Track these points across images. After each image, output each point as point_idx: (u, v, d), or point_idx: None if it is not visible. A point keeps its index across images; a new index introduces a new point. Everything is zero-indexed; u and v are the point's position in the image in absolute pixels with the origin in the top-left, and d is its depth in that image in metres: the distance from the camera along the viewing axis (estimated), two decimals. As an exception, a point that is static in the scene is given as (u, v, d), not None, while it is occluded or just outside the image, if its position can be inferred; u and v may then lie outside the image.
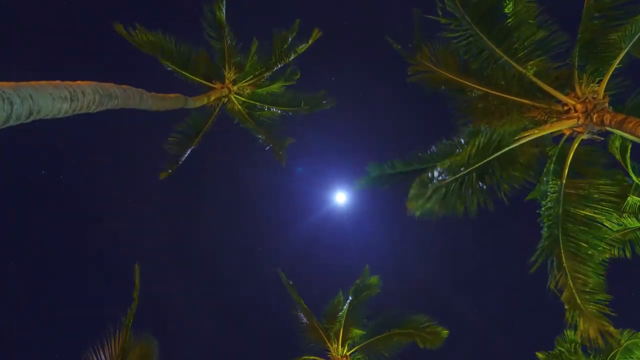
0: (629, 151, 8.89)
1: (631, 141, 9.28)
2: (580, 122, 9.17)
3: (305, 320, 16.84)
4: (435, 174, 8.71)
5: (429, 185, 8.73)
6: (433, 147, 9.52)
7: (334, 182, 28.22)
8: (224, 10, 15.19)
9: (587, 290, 8.84)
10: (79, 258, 26.89)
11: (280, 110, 17.68)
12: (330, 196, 28.01)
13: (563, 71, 9.82)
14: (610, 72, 9.15)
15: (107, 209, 27.19)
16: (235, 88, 16.69)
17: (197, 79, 16.08)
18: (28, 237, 26.17)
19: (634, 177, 9.01)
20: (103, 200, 26.82)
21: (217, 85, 16.31)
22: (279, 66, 16.51)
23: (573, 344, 13.87)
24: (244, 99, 17.14)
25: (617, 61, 9.03)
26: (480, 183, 9.39)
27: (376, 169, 9.23)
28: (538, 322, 24.10)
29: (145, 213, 27.60)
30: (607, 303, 8.70)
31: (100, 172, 26.34)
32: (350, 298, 15.73)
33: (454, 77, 10.49)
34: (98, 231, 27.30)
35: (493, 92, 10.19)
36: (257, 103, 17.30)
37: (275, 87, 17.19)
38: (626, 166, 9.12)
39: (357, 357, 16.60)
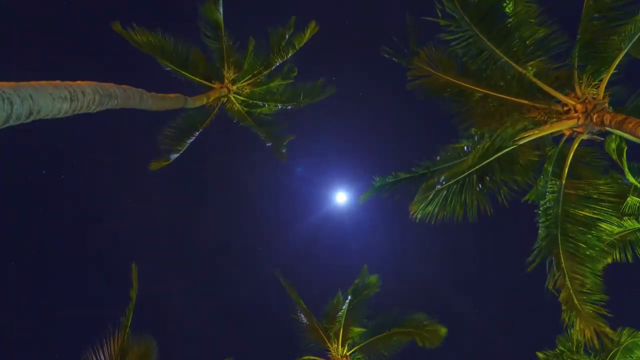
0: (624, 153, 8.90)
1: (629, 141, 9.28)
2: (580, 123, 9.17)
3: (305, 320, 16.86)
4: (439, 179, 8.79)
5: (432, 189, 8.82)
6: (438, 157, 9.62)
7: (334, 182, 28.23)
8: (221, 10, 15.19)
9: (585, 290, 8.87)
10: (79, 258, 26.91)
11: (280, 106, 17.66)
12: (331, 196, 28.05)
13: (563, 71, 9.82)
14: (610, 73, 9.15)
15: (107, 209, 27.21)
16: (234, 87, 16.71)
17: (197, 78, 16.10)
18: (28, 237, 26.18)
19: (630, 179, 9.02)
20: (103, 200, 26.84)
21: (217, 85, 16.32)
22: (278, 64, 16.52)
23: (575, 344, 13.87)
24: (243, 98, 17.15)
25: (617, 61, 9.03)
26: (480, 185, 9.42)
27: (380, 181, 9.34)
28: (538, 322, 24.11)
29: (145, 213, 27.61)
30: (604, 303, 8.72)
31: (100, 172, 26.36)
32: (349, 298, 15.74)
33: (453, 80, 10.49)
34: (98, 231, 27.32)
35: (493, 93, 10.19)
36: (256, 101, 17.31)
37: (274, 84, 17.20)
38: (623, 167, 9.13)
39: (357, 357, 16.61)
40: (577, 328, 8.60)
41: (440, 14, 9.70)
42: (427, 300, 27.31)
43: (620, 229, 10.77)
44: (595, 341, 8.32)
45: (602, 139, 9.43)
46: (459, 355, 26.93)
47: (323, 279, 26.16)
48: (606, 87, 9.25)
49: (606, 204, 9.40)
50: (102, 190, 26.63)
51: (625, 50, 8.86)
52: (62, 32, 23.17)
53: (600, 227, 9.33)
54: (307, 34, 16.19)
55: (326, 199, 28.29)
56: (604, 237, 9.50)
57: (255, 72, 16.62)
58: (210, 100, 15.51)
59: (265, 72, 16.64)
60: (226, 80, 16.47)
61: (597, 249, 9.13)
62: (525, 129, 9.42)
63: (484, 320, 28.80)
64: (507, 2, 9.43)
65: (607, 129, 8.88)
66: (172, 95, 11.65)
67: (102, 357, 11.44)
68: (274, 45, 16.21)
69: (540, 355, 14.85)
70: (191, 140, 17.17)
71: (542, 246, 9.38)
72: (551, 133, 9.65)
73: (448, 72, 10.55)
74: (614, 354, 13.44)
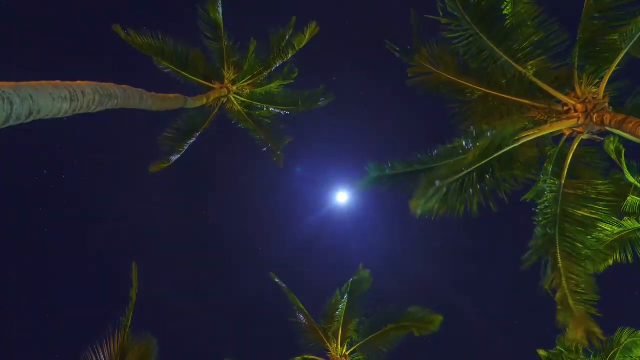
0: (623, 154, 8.90)
1: (628, 141, 9.28)
2: (580, 122, 9.17)
3: (304, 321, 16.88)
4: (439, 175, 8.77)
5: (433, 185, 8.78)
6: (435, 151, 9.58)
7: (334, 182, 28.22)
8: (220, 10, 15.20)
9: (579, 291, 8.87)
10: (79, 258, 26.91)
11: (279, 109, 17.69)
12: (331, 196, 28.04)
13: (563, 71, 9.82)
14: (610, 73, 9.16)
15: (107, 209, 27.20)
16: (234, 88, 16.71)
17: (197, 79, 16.11)
18: (28, 237, 26.19)
19: (630, 178, 9.02)
20: (103, 200, 26.83)
21: (217, 86, 16.32)
22: (278, 64, 16.53)
23: (575, 343, 13.87)
24: (243, 99, 17.17)
25: (617, 61, 9.04)
26: (480, 183, 9.42)
27: (376, 170, 9.25)
28: (538, 322, 24.10)
29: (146, 213, 27.60)
30: (595, 303, 8.73)
31: (100, 172, 26.36)
32: (346, 297, 15.75)
33: (454, 78, 10.49)
34: (98, 231, 27.32)
35: (493, 92, 10.19)
36: (256, 103, 17.33)
37: (274, 85, 17.21)
38: (622, 167, 9.13)
39: (357, 357, 16.62)
40: (571, 328, 8.61)
41: (441, 13, 9.70)
42: (427, 300, 27.28)
43: (620, 229, 10.78)
44: (585, 342, 8.34)
45: (602, 138, 9.43)
46: (459, 355, 26.96)
47: (323, 279, 26.14)
48: (606, 87, 9.25)
49: (605, 203, 9.40)
50: (102, 190, 26.65)
51: (626, 50, 8.86)
52: (62, 32, 23.19)
53: (599, 227, 9.34)
54: (308, 35, 16.21)
55: (326, 199, 28.31)
56: (603, 238, 9.50)
57: (256, 72, 16.63)
58: (210, 101, 15.52)
59: (266, 73, 16.65)
60: (226, 81, 16.48)
61: (594, 249, 9.14)
62: (525, 129, 9.42)
63: (484, 320, 28.82)
64: (507, 2, 9.43)
65: (607, 128, 8.88)
66: (172, 95, 11.66)
67: (102, 357, 11.44)
68: (275, 46, 16.22)
69: (541, 352, 14.86)
70: (192, 141, 17.18)
71: (539, 245, 9.38)
72: (551, 133, 9.65)
73: (449, 70, 10.56)
74: (614, 353, 13.46)
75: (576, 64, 9.39)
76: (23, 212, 25.67)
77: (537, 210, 9.72)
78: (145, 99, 9.23)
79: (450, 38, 10.06)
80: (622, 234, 10.90)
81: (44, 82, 5.69)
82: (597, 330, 8.37)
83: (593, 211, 9.36)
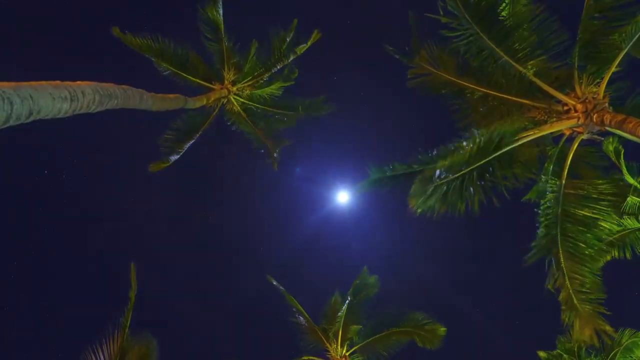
0: (622, 155, 8.89)
1: (629, 141, 9.28)
2: (580, 122, 9.17)
3: (303, 322, 16.87)
4: (437, 172, 8.72)
5: (431, 182, 8.75)
6: (435, 151, 9.54)
7: (335, 182, 28.23)
8: (220, 11, 15.20)
9: (584, 290, 8.86)
10: (79, 258, 26.91)
11: (279, 112, 17.71)
12: (331, 196, 28.04)
13: (563, 71, 9.82)
14: (610, 72, 9.15)
15: (107, 209, 27.20)
16: (234, 89, 16.71)
17: (197, 80, 16.10)
18: (28, 237, 26.19)
19: (629, 179, 9.01)
20: (103, 200, 26.83)
21: (217, 86, 16.32)
22: (278, 67, 16.53)
23: (576, 344, 13.87)
24: (243, 100, 17.17)
25: (617, 61, 9.03)
26: (481, 182, 9.40)
27: (377, 172, 9.23)
28: (538, 322, 24.10)
29: (146, 213, 27.60)
30: (603, 302, 8.71)
31: (100, 173, 26.36)
32: (349, 299, 15.74)
33: (454, 79, 10.50)
34: (98, 231, 27.32)
35: (493, 92, 10.19)
36: (256, 105, 17.32)
37: (274, 87, 17.20)
38: (621, 168, 9.13)
39: (357, 357, 16.62)
40: (577, 328, 8.59)
41: (441, 12, 9.70)
42: (427, 300, 27.32)
43: (620, 228, 10.77)
44: (595, 340, 8.31)
45: (602, 138, 9.42)
46: (459, 355, 26.94)
47: (324, 279, 26.16)
48: (606, 87, 9.25)
49: (606, 203, 9.40)
50: (102, 190, 26.64)
51: (626, 50, 8.86)
52: (62, 32, 23.19)
53: (600, 226, 9.33)
54: (310, 42, 16.23)
55: (327, 199, 28.31)
56: (604, 237, 9.49)
57: (256, 74, 16.63)
58: (211, 101, 15.52)
59: (266, 75, 16.65)
60: (226, 82, 16.48)
61: (596, 248, 9.13)
62: (525, 129, 9.41)
63: (484, 320, 28.81)
64: (506, 2, 9.43)
65: (607, 128, 8.88)
66: (172, 95, 11.66)
67: (102, 357, 11.44)
68: (275, 49, 16.22)
69: (541, 354, 14.85)
70: (191, 142, 17.16)
71: (542, 245, 9.38)
72: (551, 133, 9.65)
73: (449, 71, 10.56)
74: (615, 354, 13.46)
75: (576, 64, 9.39)
76: (23, 212, 25.69)
77: (539, 211, 9.72)
78: (145, 99, 9.23)
79: (449, 37, 10.06)
80: (622, 233, 10.89)
81: (44, 82, 5.69)
82: (607, 328, 8.36)
83: (594, 211, 9.35)
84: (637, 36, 8.55)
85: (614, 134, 9.24)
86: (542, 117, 9.66)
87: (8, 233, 25.47)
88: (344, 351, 16.31)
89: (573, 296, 8.83)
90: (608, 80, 9.22)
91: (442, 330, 15.84)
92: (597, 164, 10.10)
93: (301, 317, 16.81)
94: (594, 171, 10.02)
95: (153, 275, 25.65)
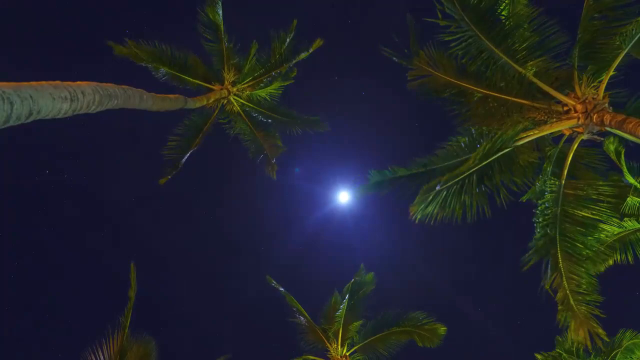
0: (623, 155, 8.89)
1: (629, 141, 9.27)
2: (580, 123, 9.16)
3: (303, 322, 16.87)
4: (440, 181, 8.78)
5: (433, 190, 8.80)
6: (435, 153, 9.57)
7: (336, 182, 28.22)
8: (220, 12, 15.20)
9: (581, 291, 8.84)
10: (79, 258, 26.92)
11: (278, 118, 17.73)
12: (332, 196, 28.05)
13: (563, 71, 9.81)
14: (610, 73, 9.15)
15: (107, 209, 27.21)
16: (234, 89, 16.71)
17: (197, 81, 16.10)
18: (28, 237, 26.20)
19: (629, 179, 9.00)
20: (103, 200, 26.84)
21: (217, 87, 16.33)
22: (279, 70, 16.53)
23: (575, 345, 13.87)
24: (243, 101, 17.17)
25: (617, 62, 9.03)
26: (480, 186, 9.41)
27: (377, 176, 9.27)
28: (538, 322, 24.09)
29: (146, 213, 27.62)
30: (599, 304, 8.70)
31: (100, 172, 26.36)
32: (347, 297, 15.74)
33: (453, 80, 10.47)
34: (98, 231, 27.33)
35: (493, 93, 10.18)
36: (256, 107, 17.33)
37: (274, 87, 17.21)
38: (622, 168, 9.12)
39: (357, 357, 16.62)
40: (572, 328, 8.59)
41: (440, 15, 9.69)
42: (427, 301, 27.34)
43: (620, 230, 10.77)
44: (589, 342, 8.31)
45: (602, 139, 9.41)
46: (459, 355, 26.94)
47: (324, 279, 26.16)
48: (606, 87, 9.25)
49: (605, 204, 9.38)
50: (103, 190, 26.66)
51: (626, 51, 8.85)
52: (62, 32, 23.20)
53: (600, 227, 9.32)
54: (312, 49, 16.24)
55: (327, 199, 28.32)
56: (604, 238, 9.48)
57: (256, 74, 16.64)
58: (211, 102, 15.51)
59: (266, 77, 16.65)
60: (226, 82, 16.48)
61: (594, 249, 9.11)
62: (525, 129, 9.41)
63: (484, 320, 28.81)
64: (505, 3, 9.43)
65: (607, 129, 8.87)
66: (172, 95, 11.66)
67: (102, 358, 11.44)
68: (275, 49, 16.21)
69: (539, 357, 14.85)
70: (195, 147, 17.10)
71: (539, 246, 9.36)
72: (551, 133, 9.64)
73: (448, 72, 10.55)
74: (615, 355, 13.45)
75: (576, 65, 9.39)
76: (23, 212, 25.70)
77: (537, 211, 9.71)
78: (145, 99, 9.22)
79: (448, 41, 10.05)
80: (623, 234, 10.89)
81: (44, 82, 5.69)
82: (600, 331, 8.33)
83: (594, 212, 9.34)
84: (637, 37, 8.55)
85: (614, 135, 9.24)
86: (542, 118, 9.66)
87: (8, 233, 25.51)
88: (344, 351, 16.31)
89: (570, 297, 8.82)
90: (608, 81, 9.22)
91: (443, 329, 15.83)
92: (597, 165, 10.09)
93: (301, 317, 16.81)
94: (594, 172, 10.01)
95: (153, 275, 25.68)
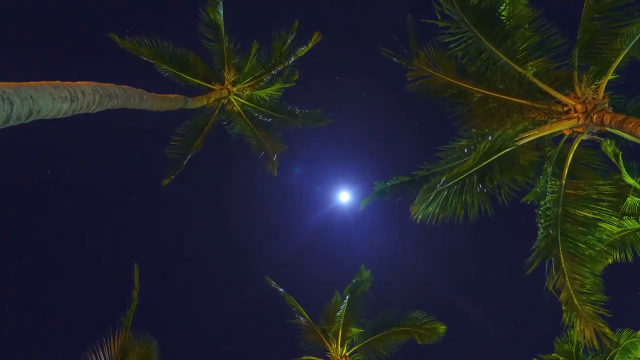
0: (621, 156, 8.88)
1: (629, 141, 9.28)
2: (580, 123, 9.17)
3: (303, 322, 16.87)
4: (442, 181, 8.81)
5: (433, 190, 8.83)
6: (437, 156, 9.59)
7: (336, 183, 28.23)
8: (221, 12, 15.21)
9: (585, 291, 8.84)
10: (80, 258, 26.92)
11: (278, 116, 17.73)
12: (333, 196, 28.06)
13: (563, 72, 9.82)
14: (610, 73, 9.15)
15: (108, 209, 27.22)
16: (235, 89, 16.71)
17: (197, 80, 16.10)
18: (28, 237, 26.20)
19: (628, 180, 9.00)
20: (103, 200, 26.84)
21: (217, 87, 16.33)
22: (279, 69, 16.53)
23: (574, 345, 13.86)
24: (243, 101, 17.18)
25: (617, 62, 9.03)
26: (480, 185, 9.42)
27: (381, 185, 9.32)
28: (538, 322, 24.10)
29: (147, 213, 27.63)
30: (604, 304, 8.69)
31: (100, 172, 26.36)
32: (347, 297, 15.75)
33: (453, 81, 10.48)
34: (99, 231, 27.33)
35: (493, 94, 10.19)
36: (256, 107, 17.33)
37: (275, 88, 17.21)
38: (620, 168, 9.12)
39: (357, 357, 16.62)
40: (577, 329, 8.58)
41: (439, 16, 9.68)
42: (428, 300, 27.35)
43: (620, 229, 10.77)
44: (595, 342, 8.30)
45: (602, 139, 9.41)
46: (459, 355, 26.96)
47: (324, 279, 26.17)
48: (606, 88, 9.25)
49: (606, 204, 9.39)
50: (103, 190, 26.66)
51: (626, 51, 8.86)
52: (62, 32, 23.20)
53: (601, 227, 9.31)
54: (311, 44, 16.22)
55: (328, 200, 28.32)
56: (604, 238, 9.48)
57: (257, 74, 16.64)
58: (211, 102, 15.51)
59: (267, 76, 16.65)
60: (227, 82, 16.48)
61: (597, 249, 9.11)
62: (525, 130, 9.41)
63: (484, 320, 28.81)
64: (505, 4, 9.43)
65: (607, 129, 8.88)
66: (172, 95, 11.66)
67: (103, 358, 11.43)
68: (276, 49, 16.21)
69: None
70: (196, 147, 17.11)
71: (542, 247, 9.36)
72: (551, 133, 9.65)
73: (448, 73, 10.55)
74: (613, 354, 13.45)
75: (576, 65, 9.39)
76: (23, 212, 25.70)
77: (538, 212, 9.71)
78: (145, 99, 9.23)
79: (447, 43, 10.05)
80: (622, 234, 10.90)
81: (44, 82, 5.70)
82: (607, 330, 8.33)
83: (595, 211, 9.34)
84: (637, 37, 8.55)
85: (613, 135, 9.24)
86: (542, 118, 9.67)
87: (8, 233, 25.51)
88: (344, 351, 16.32)
89: (573, 297, 8.82)
90: (608, 81, 9.23)
91: (442, 328, 15.85)
92: (597, 165, 10.09)
93: (301, 317, 16.81)
94: (594, 172, 10.01)
95: (153, 275, 25.68)
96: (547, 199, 9.60)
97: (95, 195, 26.51)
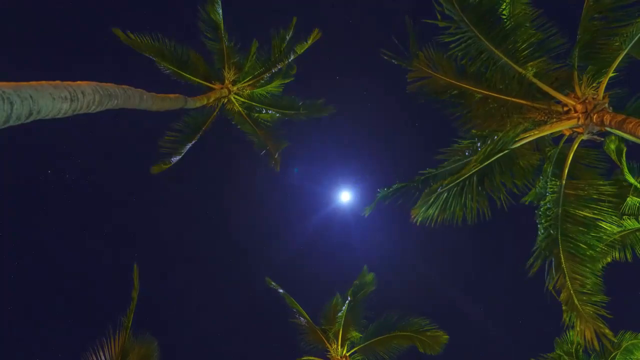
0: (624, 154, 8.89)
1: (629, 141, 9.27)
2: (580, 123, 9.16)
3: (304, 322, 16.86)
4: (442, 186, 8.83)
5: (434, 193, 8.85)
6: (437, 158, 9.60)
7: (337, 183, 28.22)
8: (220, 11, 15.20)
9: (585, 291, 8.83)
10: (80, 258, 26.91)
11: (280, 112, 17.71)
12: (333, 197, 28.05)
13: (563, 72, 9.81)
14: (610, 73, 9.15)
15: (108, 210, 27.21)
16: (235, 88, 16.71)
17: (197, 79, 16.10)
18: (28, 237, 26.19)
19: (630, 179, 9.01)
20: (104, 200, 26.84)
21: (217, 86, 16.33)
22: (279, 67, 16.52)
23: (574, 346, 13.86)
24: (243, 100, 17.17)
25: (617, 62, 9.03)
26: (480, 186, 9.42)
27: (384, 192, 9.37)
28: (538, 322, 24.10)
29: (147, 213, 27.62)
30: (604, 305, 8.68)
31: (100, 173, 26.36)
32: (349, 298, 15.72)
33: (453, 81, 10.47)
34: (99, 231, 27.32)
35: (493, 94, 10.17)
36: (257, 104, 17.31)
37: (274, 85, 17.19)
38: (622, 168, 9.12)
39: (357, 358, 16.61)
40: (578, 329, 8.57)
41: (439, 16, 9.67)
42: (428, 301, 27.33)
43: (620, 229, 10.77)
44: (595, 343, 8.28)
45: (602, 139, 9.41)
46: (459, 355, 26.94)
47: (324, 279, 26.18)
48: (606, 88, 9.24)
49: (606, 204, 9.38)
50: (103, 190, 26.65)
51: (626, 51, 8.85)
52: (62, 32, 23.20)
53: (601, 227, 9.31)
54: (310, 41, 16.21)
55: (328, 200, 28.32)
56: (604, 237, 9.48)
57: (257, 73, 16.63)
58: (211, 101, 15.50)
59: (267, 74, 16.64)
60: (227, 81, 16.47)
61: (597, 249, 9.10)
62: (525, 130, 9.41)
63: (484, 320, 28.80)
64: (505, 4, 9.42)
65: (607, 129, 8.87)
66: (172, 95, 11.65)
67: (103, 358, 11.42)
68: (275, 47, 16.21)
69: None
70: (193, 142, 17.13)
71: (542, 247, 9.35)
72: (551, 133, 9.64)
73: (448, 74, 10.54)
74: (614, 356, 13.44)
75: (576, 65, 9.38)
76: (23, 212, 25.69)
77: (539, 213, 9.70)
78: (145, 99, 9.22)
79: (447, 42, 10.04)
80: (623, 233, 10.89)
81: (44, 82, 5.69)
82: (607, 331, 8.31)
83: (595, 211, 9.33)
84: (637, 37, 8.54)
85: (614, 135, 9.24)
86: (542, 118, 9.66)
87: (8, 233, 25.51)
88: (345, 351, 16.30)
89: (574, 297, 8.81)
90: (608, 81, 9.22)
91: (445, 337, 15.63)
92: (597, 165, 10.09)
93: (301, 318, 16.80)
94: (594, 172, 10.00)
95: (153, 275, 25.67)
96: (547, 199, 9.59)
97: (95, 195, 26.51)
